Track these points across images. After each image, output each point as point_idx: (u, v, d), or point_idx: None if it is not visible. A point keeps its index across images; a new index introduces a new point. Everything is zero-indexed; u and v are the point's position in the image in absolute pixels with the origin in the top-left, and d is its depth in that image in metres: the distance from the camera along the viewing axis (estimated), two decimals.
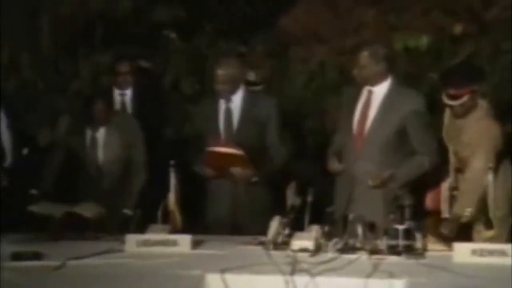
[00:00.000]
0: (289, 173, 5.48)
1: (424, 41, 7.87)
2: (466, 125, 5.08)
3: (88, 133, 5.64)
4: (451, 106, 5.09)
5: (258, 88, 6.52)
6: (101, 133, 5.64)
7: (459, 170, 5.13)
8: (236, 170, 5.28)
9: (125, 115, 6.24)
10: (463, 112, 5.07)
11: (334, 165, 5.14)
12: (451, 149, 5.18)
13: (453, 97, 5.02)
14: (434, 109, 5.39)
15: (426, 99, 5.25)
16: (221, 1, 8.88)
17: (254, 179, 5.32)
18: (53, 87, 8.23)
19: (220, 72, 5.39)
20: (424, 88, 5.92)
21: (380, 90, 5.10)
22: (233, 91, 5.40)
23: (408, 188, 4.91)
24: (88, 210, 4.99)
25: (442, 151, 5.14)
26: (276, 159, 5.40)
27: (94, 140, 5.63)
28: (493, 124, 5.08)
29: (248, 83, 5.63)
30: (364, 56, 5.09)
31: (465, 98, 5.00)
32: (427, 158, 5.02)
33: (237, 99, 5.42)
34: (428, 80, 5.92)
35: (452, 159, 5.17)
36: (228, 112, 5.42)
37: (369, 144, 5.03)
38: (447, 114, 5.23)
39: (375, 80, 5.10)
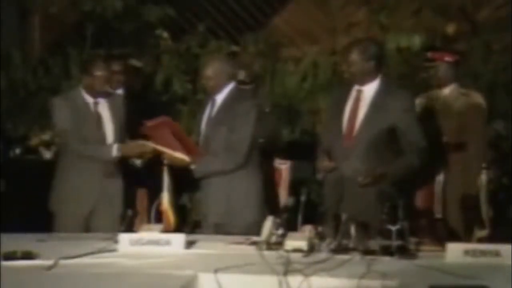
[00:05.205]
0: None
1: (416, 41, 7.88)
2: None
3: (90, 105, 5.59)
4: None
5: (247, 87, 6.50)
6: (103, 106, 5.61)
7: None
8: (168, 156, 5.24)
9: (119, 97, 6.16)
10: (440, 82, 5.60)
11: (324, 163, 5.12)
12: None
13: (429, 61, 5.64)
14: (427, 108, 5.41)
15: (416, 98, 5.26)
16: (212, 0, 8.89)
17: (193, 165, 5.26)
18: (44, 87, 8.21)
19: (205, 68, 5.45)
20: (417, 88, 5.92)
21: (370, 90, 5.08)
22: (217, 87, 5.40)
23: (399, 187, 4.90)
24: None
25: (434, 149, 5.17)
26: (238, 157, 5.30)
27: (98, 115, 5.60)
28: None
29: (238, 82, 5.62)
30: (354, 52, 5.08)
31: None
32: (417, 157, 5.02)
33: (221, 96, 5.42)
34: (420, 80, 5.92)
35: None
36: (212, 107, 5.44)
37: (359, 144, 5.02)
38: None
39: (364, 78, 5.08)
